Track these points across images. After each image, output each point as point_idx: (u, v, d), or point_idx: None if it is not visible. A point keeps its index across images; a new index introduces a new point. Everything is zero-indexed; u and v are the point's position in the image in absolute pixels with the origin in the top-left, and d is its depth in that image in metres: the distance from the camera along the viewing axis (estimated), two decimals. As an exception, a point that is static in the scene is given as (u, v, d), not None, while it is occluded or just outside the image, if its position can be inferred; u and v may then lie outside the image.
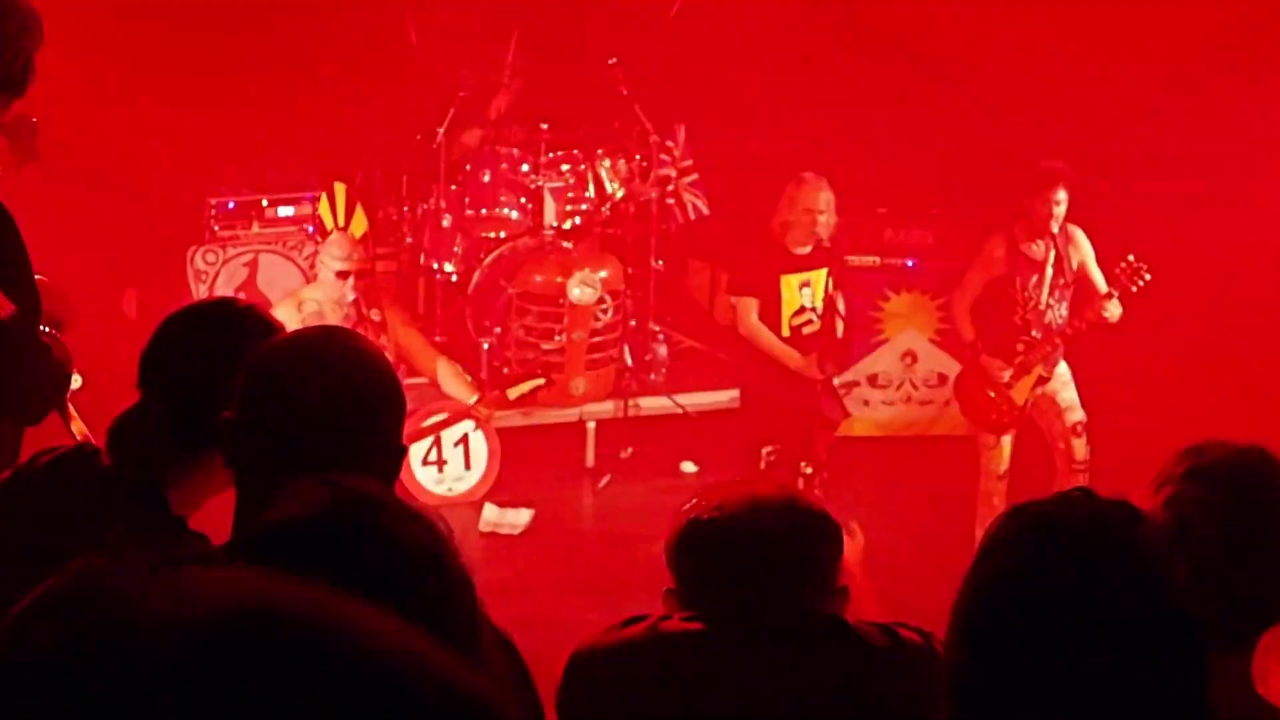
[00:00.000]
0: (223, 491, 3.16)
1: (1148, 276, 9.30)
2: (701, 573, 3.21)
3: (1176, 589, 2.42)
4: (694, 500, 3.34)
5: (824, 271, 9.37)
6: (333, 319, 8.62)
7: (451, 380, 9.53)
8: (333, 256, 8.95)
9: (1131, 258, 9.35)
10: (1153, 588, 2.41)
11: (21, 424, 4.24)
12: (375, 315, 9.04)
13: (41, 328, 4.47)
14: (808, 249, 9.35)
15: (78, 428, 4.28)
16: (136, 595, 1.30)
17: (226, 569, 1.40)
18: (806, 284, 9.39)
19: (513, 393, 9.45)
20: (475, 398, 9.35)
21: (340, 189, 9.52)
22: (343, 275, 8.90)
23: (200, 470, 3.26)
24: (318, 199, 10.65)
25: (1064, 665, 2.35)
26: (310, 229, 10.81)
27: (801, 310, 9.41)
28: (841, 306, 9.67)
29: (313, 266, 10.22)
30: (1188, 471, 3.22)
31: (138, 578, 1.33)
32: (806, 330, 9.40)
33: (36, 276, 4.60)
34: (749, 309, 9.41)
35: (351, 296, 8.95)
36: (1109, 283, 9.36)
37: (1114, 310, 9.29)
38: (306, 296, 9.02)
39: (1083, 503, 2.60)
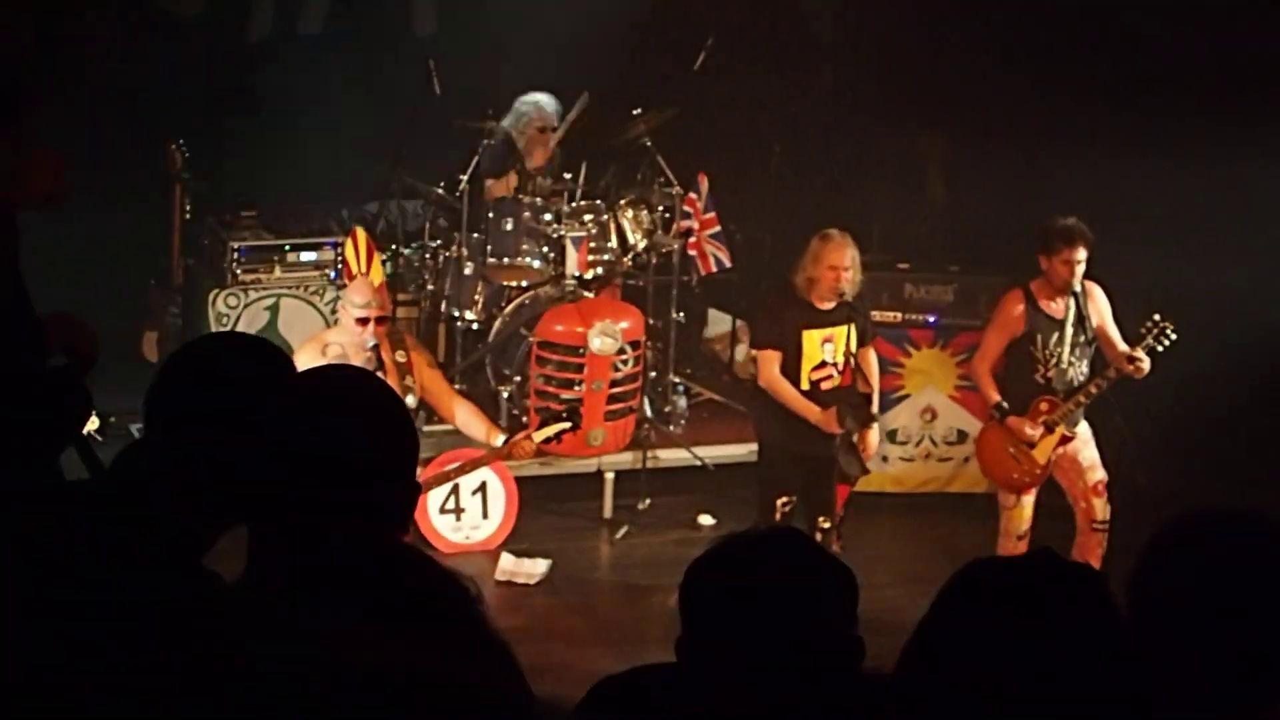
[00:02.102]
0: (235, 527, 3.15)
1: (1174, 335, 9.28)
2: (702, 614, 3.18)
3: (1120, 656, 2.41)
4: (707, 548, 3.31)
5: (846, 328, 9.35)
6: (355, 361, 8.63)
7: (474, 423, 9.52)
8: (352, 303, 8.97)
9: (1157, 316, 9.34)
10: (1090, 651, 2.40)
11: (35, 458, 4.23)
12: (400, 357, 9.04)
13: (63, 364, 4.46)
14: (831, 305, 9.34)
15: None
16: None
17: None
18: (829, 339, 9.37)
19: (538, 435, 9.44)
20: (503, 438, 9.34)
21: (361, 234, 9.54)
22: (362, 321, 8.91)
23: (210, 506, 3.25)
24: (340, 244, 10.67)
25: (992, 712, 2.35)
26: (332, 274, 10.84)
27: (822, 365, 9.39)
28: (874, 368, 9.65)
29: (333, 311, 10.24)
30: (1151, 542, 3.18)
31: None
32: (826, 385, 9.38)
33: (60, 312, 4.60)
34: (770, 362, 9.39)
35: (372, 342, 8.96)
36: (1135, 341, 9.34)
37: (1145, 366, 9.28)
38: (331, 340, 9.04)
39: (1036, 561, 2.60)
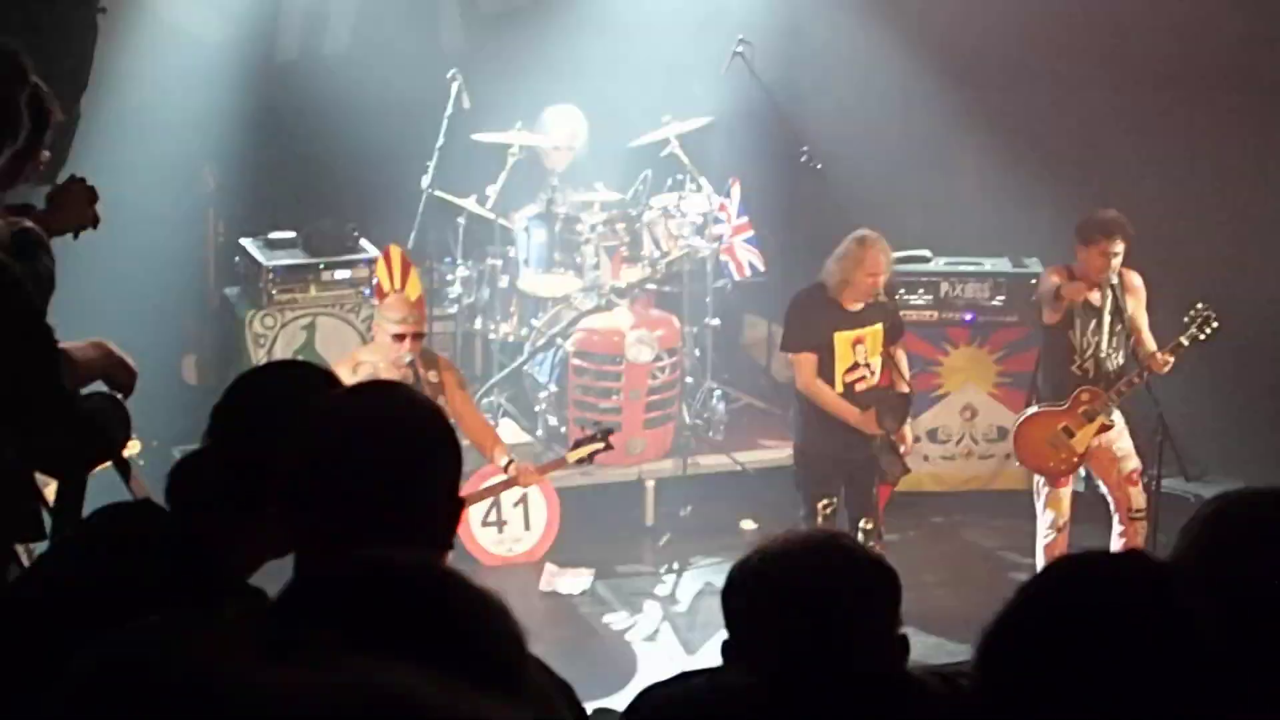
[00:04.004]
0: (287, 551, 3.15)
1: (1216, 324, 9.27)
2: (747, 618, 3.18)
3: (1201, 659, 2.38)
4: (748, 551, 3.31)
5: (878, 327, 9.33)
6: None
7: (498, 446, 9.37)
8: (389, 319, 8.94)
9: (1200, 305, 9.33)
10: (1172, 653, 2.37)
11: (71, 480, 4.26)
12: (433, 377, 9.02)
13: (104, 390, 4.49)
14: (860, 305, 9.32)
15: (138, 487, 4.29)
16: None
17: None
18: (860, 340, 9.35)
19: (571, 456, 9.43)
20: (506, 459, 9.22)
21: (395, 251, 9.53)
22: (399, 338, 8.89)
23: (261, 527, 3.25)
24: (374, 261, 10.67)
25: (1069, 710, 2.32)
26: (366, 291, 10.83)
27: (855, 366, 9.36)
28: (904, 365, 9.63)
29: (370, 329, 10.25)
30: (1208, 518, 3.11)
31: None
32: (860, 387, 9.35)
33: (99, 340, 4.63)
34: (807, 365, 9.35)
35: (409, 359, 8.94)
36: (1179, 330, 9.34)
37: (1168, 363, 9.30)
38: (362, 359, 9.02)
39: (1123, 559, 2.57)
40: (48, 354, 4.21)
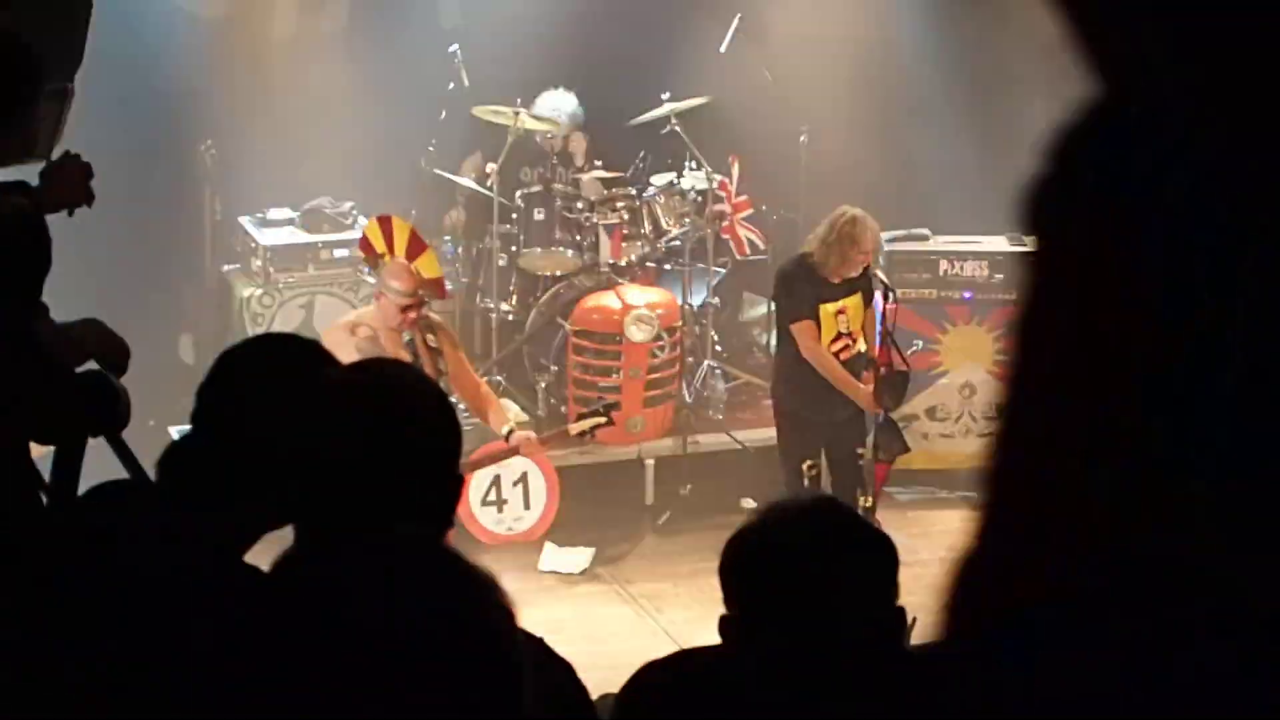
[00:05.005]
0: (281, 526, 3.13)
1: None
2: (743, 590, 3.15)
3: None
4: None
5: (857, 297, 9.32)
6: (387, 343, 8.55)
7: (498, 411, 9.30)
8: (393, 290, 8.79)
9: None
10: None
11: (64, 456, 4.24)
12: (432, 341, 8.92)
13: (99, 368, 4.48)
14: (839, 278, 9.29)
15: (132, 466, 4.28)
16: None
17: None
18: (842, 311, 9.33)
19: (573, 429, 9.40)
20: (508, 428, 9.14)
21: (401, 224, 9.38)
22: (406, 310, 8.78)
23: (254, 504, 3.24)
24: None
25: None
26: (366, 270, 10.71)
27: (839, 336, 9.35)
28: (889, 324, 9.56)
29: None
30: None
31: None
32: (844, 356, 9.35)
33: (92, 319, 4.61)
34: (809, 332, 9.29)
35: (408, 337, 8.87)
36: None
37: None
38: (361, 320, 8.90)
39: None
40: (16, 323, 4.20)
